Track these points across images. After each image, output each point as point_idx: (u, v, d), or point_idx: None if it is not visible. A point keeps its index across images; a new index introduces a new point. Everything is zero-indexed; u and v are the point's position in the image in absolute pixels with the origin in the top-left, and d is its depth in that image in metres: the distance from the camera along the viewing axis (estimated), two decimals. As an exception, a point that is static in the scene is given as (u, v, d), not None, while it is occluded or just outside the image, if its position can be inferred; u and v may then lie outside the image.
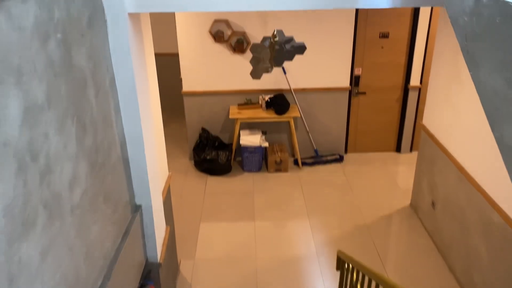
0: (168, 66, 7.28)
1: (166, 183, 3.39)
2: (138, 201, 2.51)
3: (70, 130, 1.67)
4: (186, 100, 5.47)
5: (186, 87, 5.40)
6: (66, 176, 1.63)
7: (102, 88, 2.01)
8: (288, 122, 5.57)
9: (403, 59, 5.41)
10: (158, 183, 2.76)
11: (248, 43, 5.18)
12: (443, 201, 3.95)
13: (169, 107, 7.57)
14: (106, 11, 2.03)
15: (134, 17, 2.17)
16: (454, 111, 3.72)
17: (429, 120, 4.32)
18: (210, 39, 5.15)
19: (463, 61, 3.53)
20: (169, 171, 3.59)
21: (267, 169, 5.50)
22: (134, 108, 2.26)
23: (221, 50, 5.21)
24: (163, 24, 6.98)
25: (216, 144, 5.51)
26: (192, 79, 5.34)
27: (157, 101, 3.18)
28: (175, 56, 5.41)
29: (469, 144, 3.46)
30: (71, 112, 1.68)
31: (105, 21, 2.05)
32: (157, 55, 7.18)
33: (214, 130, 5.64)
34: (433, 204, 4.16)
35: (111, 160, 2.12)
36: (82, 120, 1.79)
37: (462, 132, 3.58)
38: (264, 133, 5.53)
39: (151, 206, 2.54)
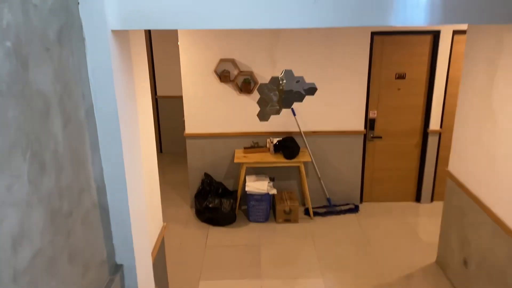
0: (172, 108, 7.00)
1: (159, 235, 2.94)
2: (119, 259, 2.06)
3: (19, 167, 1.26)
4: (189, 143, 5.10)
5: (189, 129, 5.04)
6: (7, 229, 1.21)
7: (74, 119, 1.63)
8: (298, 168, 5.15)
9: (421, 102, 5.05)
10: (145, 237, 2.31)
11: (255, 83, 4.87)
12: (477, 259, 3.43)
13: (172, 150, 7.24)
14: (84, 27, 1.68)
15: (120, 35, 1.82)
16: (487, 155, 3.29)
17: (456, 166, 3.87)
18: (215, 79, 4.85)
19: (498, 100, 3.14)
20: (164, 221, 3.15)
21: (275, 219, 5.01)
22: (116, 145, 1.86)
23: (227, 91, 4.90)
24: (168, 66, 6.77)
25: (220, 191, 5.07)
26: (196, 120, 5.00)
27: (150, 139, 2.78)
28: (180, 98, 5.11)
29: (508, 192, 3.00)
30: (21, 145, 1.28)
31: (83, 38, 1.69)
32: (161, 98, 6.93)
33: (218, 176, 5.23)
34: (465, 262, 3.63)
35: (82, 208, 1.70)
36: (40, 156, 1.38)
37: (498, 179, 3.13)
38: (272, 179, 5.10)
39: (135, 266, 2.07)
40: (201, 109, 4.95)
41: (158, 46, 6.71)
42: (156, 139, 7.26)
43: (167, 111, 7.05)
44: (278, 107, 4.97)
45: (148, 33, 6.64)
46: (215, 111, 4.96)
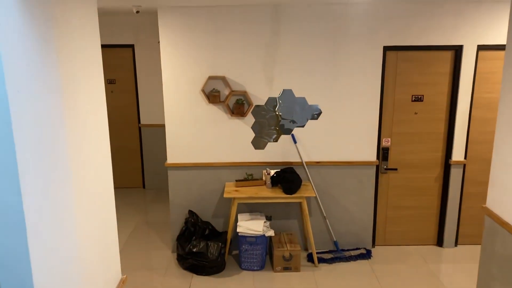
0: (157, 138, 6.28)
1: (112, 294, 2.13)
2: None
3: None
4: (171, 175, 4.34)
5: (172, 158, 4.30)
6: None
7: None
8: (300, 204, 4.38)
9: (442, 128, 4.36)
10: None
11: (249, 104, 4.18)
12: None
13: (156, 186, 6.45)
14: None
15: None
16: (546, 188, 2.55)
17: (497, 200, 3.12)
18: (203, 100, 4.16)
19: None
20: (124, 274, 2.35)
21: (272, 267, 4.19)
22: (6, 158, 1.12)
23: (217, 113, 4.20)
24: (153, 92, 6.11)
25: (206, 232, 4.26)
26: (180, 147, 4.26)
27: (104, 166, 2.04)
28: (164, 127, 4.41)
29: None
30: None
31: None
32: (145, 126, 6.22)
33: (205, 214, 4.43)
34: (518, 327, 2.80)
35: None
36: None
37: None
38: (268, 218, 4.31)
39: None
40: (186, 134, 4.23)
41: (142, 70, 6.07)
42: (139, 173, 6.52)
43: (151, 141, 6.32)
44: (276, 133, 4.26)
45: (133, 57, 6.03)
46: (202, 137, 4.24)
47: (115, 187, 6.49)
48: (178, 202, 4.39)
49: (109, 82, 6.18)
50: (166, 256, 4.43)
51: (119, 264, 2.28)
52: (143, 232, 5.00)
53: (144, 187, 6.51)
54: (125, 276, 2.31)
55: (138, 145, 6.36)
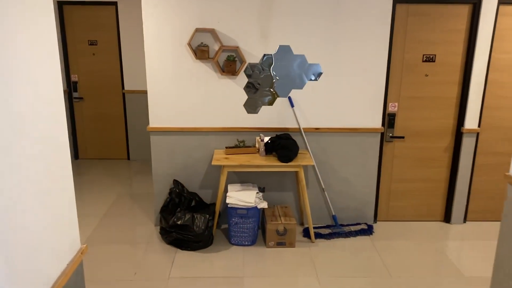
0: (142, 106, 5.83)
1: (71, 263, 1.73)
2: None
3: None
4: (154, 141, 3.91)
5: (154, 122, 3.86)
6: None
7: None
8: (296, 174, 3.98)
9: (455, 92, 3.94)
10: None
11: (242, 62, 3.74)
12: None
13: (141, 157, 6.01)
14: None
15: None
16: None
17: (523, 169, 2.72)
18: (189, 55, 3.71)
19: None
20: (85, 243, 1.94)
21: (264, 242, 3.81)
22: None
23: (205, 71, 3.75)
24: (137, 57, 5.63)
25: (193, 203, 3.86)
26: (163, 111, 3.82)
27: (59, 130, 1.61)
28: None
29: None
30: None
31: None
32: (129, 93, 5.77)
33: (191, 184, 4.02)
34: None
35: None
36: None
37: None
38: (261, 189, 3.91)
39: None
40: (170, 95, 3.78)
41: (126, 31, 5.57)
42: (123, 143, 6.07)
43: (135, 108, 5.87)
44: (271, 95, 3.83)
45: (116, 16, 5.52)
46: (188, 98, 3.80)
47: (98, 158, 6.07)
48: (162, 171, 3.97)
49: (91, 43, 5.68)
50: (149, 229, 4.03)
51: (77, 233, 1.86)
52: (124, 205, 4.59)
53: (128, 158, 6.08)
54: (85, 245, 1.90)
55: (122, 113, 5.90)
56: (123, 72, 5.72)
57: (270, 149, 3.72)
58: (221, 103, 3.82)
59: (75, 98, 5.84)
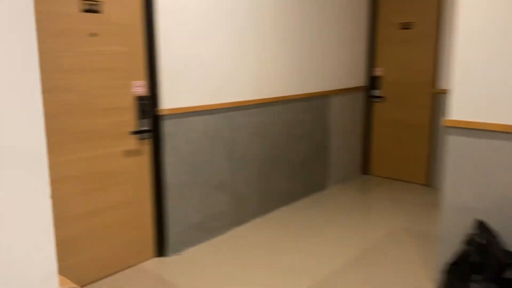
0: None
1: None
2: None
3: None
4: (459, 150, 2.30)
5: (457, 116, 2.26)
6: None
7: None
8: None
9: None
10: None
11: None
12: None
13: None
14: None
15: None
16: None
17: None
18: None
19: None
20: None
21: None
22: None
23: None
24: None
25: (507, 273, 2.04)
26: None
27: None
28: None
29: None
30: None
31: None
32: (439, 93, 4.23)
33: (511, 235, 2.18)
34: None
35: None
36: None
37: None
38: None
39: None
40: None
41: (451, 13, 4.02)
42: (423, 162, 4.48)
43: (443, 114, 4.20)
44: None
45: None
46: None
47: (391, 178, 4.63)
48: (459, 201, 2.32)
49: (403, 27, 4.41)
50: (419, 290, 2.46)
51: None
52: (394, 243, 3.13)
53: (428, 184, 4.38)
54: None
55: (427, 121, 4.34)
56: (437, 66, 4.17)
57: None
58: None
59: (374, 97, 4.62)
